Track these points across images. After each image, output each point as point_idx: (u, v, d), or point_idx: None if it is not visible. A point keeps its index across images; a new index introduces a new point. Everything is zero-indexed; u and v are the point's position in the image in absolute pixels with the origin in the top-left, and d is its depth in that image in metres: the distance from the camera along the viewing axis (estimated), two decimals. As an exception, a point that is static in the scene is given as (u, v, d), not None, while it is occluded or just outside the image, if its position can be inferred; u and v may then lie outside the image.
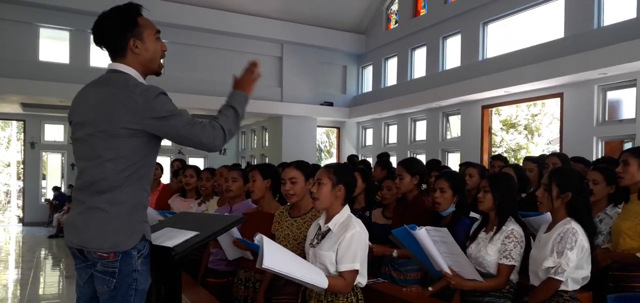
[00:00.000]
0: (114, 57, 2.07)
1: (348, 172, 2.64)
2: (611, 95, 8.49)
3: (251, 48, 13.34)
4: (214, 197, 4.40)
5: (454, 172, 3.58)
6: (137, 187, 1.98)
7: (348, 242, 2.38)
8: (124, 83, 1.96)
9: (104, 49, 2.07)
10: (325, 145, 22.96)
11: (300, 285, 2.56)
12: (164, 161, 11.55)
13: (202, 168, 4.96)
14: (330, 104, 14.49)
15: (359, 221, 2.52)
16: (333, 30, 14.14)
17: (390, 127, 14.17)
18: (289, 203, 3.08)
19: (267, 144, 15.44)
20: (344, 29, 14.34)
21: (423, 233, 2.59)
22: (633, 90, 7.93)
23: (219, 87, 12.64)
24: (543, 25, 9.58)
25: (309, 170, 3.01)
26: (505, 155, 16.48)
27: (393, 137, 13.99)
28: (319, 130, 16.46)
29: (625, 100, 8.30)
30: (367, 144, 15.18)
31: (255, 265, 2.17)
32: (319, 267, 2.42)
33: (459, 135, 11.57)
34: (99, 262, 1.91)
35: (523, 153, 16.57)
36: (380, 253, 3.45)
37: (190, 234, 2.02)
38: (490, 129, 11.14)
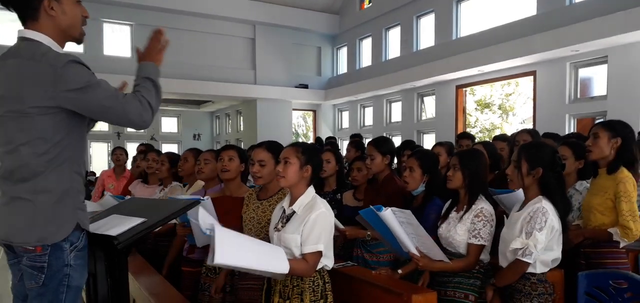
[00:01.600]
0: (25, 21, 1.81)
1: (316, 152, 2.53)
2: (583, 72, 8.55)
3: (222, 29, 13.06)
4: (172, 183, 4.22)
5: (424, 150, 3.49)
6: (65, 171, 1.78)
7: (312, 223, 2.29)
8: (31, 53, 1.72)
9: (12, 10, 1.81)
10: (302, 129, 22.81)
11: None
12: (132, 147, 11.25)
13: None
14: (306, 87, 14.32)
15: (325, 202, 2.41)
16: (306, 11, 13.92)
17: (366, 109, 14.09)
18: (257, 186, 2.95)
19: (242, 128, 15.21)
20: (317, 8, 14.12)
21: (389, 214, 2.49)
22: (604, 67, 7.98)
23: (187, 70, 12.36)
24: (516, 2, 9.55)
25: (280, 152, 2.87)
26: (480, 135, 16.67)
27: (369, 119, 13.93)
28: (295, 114, 16.29)
29: (597, 78, 8.35)
30: (344, 126, 15.09)
31: (206, 261, 2.02)
32: (283, 250, 2.30)
33: (434, 116, 11.55)
34: (25, 256, 1.73)
35: (497, 133, 16.70)
36: (353, 235, 3.35)
37: (136, 221, 1.87)
38: (464, 109, 11.15)
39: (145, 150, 5.11)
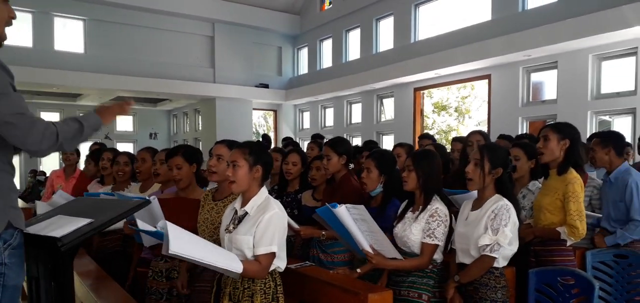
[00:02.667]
0: None
1: (264, 151, 2.48)
2: (535, 76, 8.86)
3: (180, 26, 12.80)
4: (131, 184, 4.09)
5: (381, 151, 3.51)
6: None
7: (266, 224, 2.24)
8: None
9: None
10: (263, 129, 22.65)
11: (216, 272, 2.40)
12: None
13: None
14: (266, 86, 14.22)
15: (278, 202, 2.38)
16: (267, 10, 13.81)
17: (327, 109, 14.13)
18: (214, 187, 2.89)
19: (200, 128, 14.94)
20: (277, 8, 14.04)
21: (343, 211, 2.50)
22: (554, 72, 8.30)
23: (143, 67, 12.05)
24: (472, 7, 9.80)
25: None
26: (437, 137, 17.03)
27: (330, 120, 13.97)
28: (256, 113, 16.15)
29: (548, 82, 8.67)
30: (305, 127, 15.07)
31: (161, 251, 1.96)
32: (235, 253, 2.25)
33: (393, 117, 11.70)
34: None
35: (454, 135, 17.09)
36: (308, 235, 3.33)
37: (82, 222, 1.78)
38: (422, 111, 11.35)
39: (100, 149, 4.94)
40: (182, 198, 3.05)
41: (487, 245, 2.47)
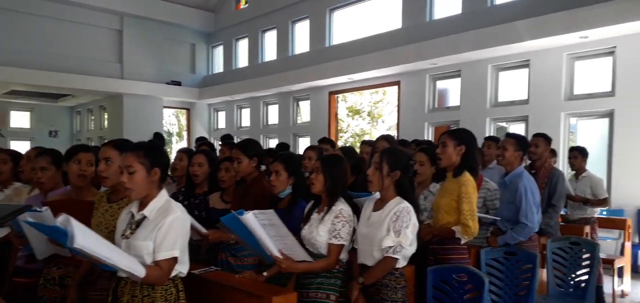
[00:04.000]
0: None
1: (160, 151, 2.37)
2: (440, 84, 9.37)
3: (86, 18, 12.03)
4: (13, 184, 3.77)
5: (289, 154, 3.53)
6: None
7: (167, 228, 2.16)
8: None
9: None
10: (175, 128, 21.88)
11: (112, 279, 2.27)
12: None
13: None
14: (178, 84, 13.73)
15: (180, 205, 2.30)
16: (180, 6, 13.34)
17: (243, 110, 13.95)
18: (108, 188, 2.72)
19: (106, 125, 14.11)
20: (191, 4, 13.62)
21: (250, 218, 2.46)
22: (458, 80, 8.83)
23: (43, 59, 11.20)
24: (383, 15, 10.16)
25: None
26: (351, 140, 17.45)
27: (246, 121, 13.80)
28: (167, 112, 15.56)
29: (452, 89, 9.21)
30: (220, 126, 14.76)
31: (67, 244, 1.81)
32: None
33: (309, 120, 11.82)
34: None
35: (367, 139, 17.60)
36: (216, 239, 3.27)
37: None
38: (336, 114, 11.57)
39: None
40: (74, 200, 2.86)
41: (390, 247, 2.56)
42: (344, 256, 2.76)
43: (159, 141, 6.70)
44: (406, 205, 2.61)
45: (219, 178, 3.74)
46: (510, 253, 3.60)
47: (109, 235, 2.50)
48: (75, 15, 11.83)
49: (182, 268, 2.29)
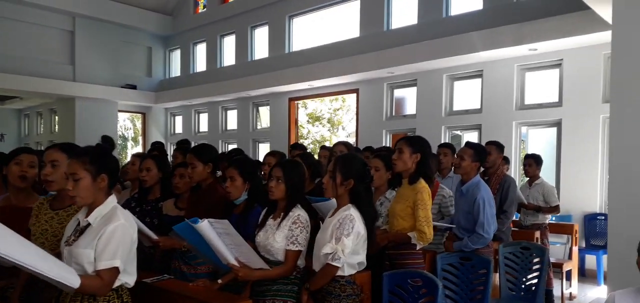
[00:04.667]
0: None
1: (107, 156, 2.30)
2: (397, 92, 9.52)
3: (36, 18, 11.54)
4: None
5: (244, 159, 3.49)
6: None
7: (108, 237, 2.07)
8: None
9: None
10: (131, 132, 21.28)
11: (56, 289, 2.16)
12: None
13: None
14: (134, 87, 13.36)
15: (125, 213, 2.22)
16: (135, 8, 13.00)
17: (201, 114, 13.73)
18: (50, 193, 2.60)
19: (56, 129, 13.56)
20: (148, 7, 13.30)
21: (205, 226, 2.40)
22: (414, 89, 9.00)
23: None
24: (342, 23, 10.25)
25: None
26: (311, 146, 17.46)
27: (204, 126, 13.58)
28: (122, 116, 15.12)
29: (408, 98, 9.38)
30: (177, 131, 14.46)
31: None
32: (74, 268, 2.05)
33: (269, 125, 11.75)
34: None
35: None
36: (168, 246, 3.18)
37: None
38: (297, 120, 11.56)
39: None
40: (12, 206, 2.72)
41: (329, 254, 2.56)
42: (301, 262, 2.74)
43: (107, 144, 6.44)
44: (350, 213, 2.60)
45: (173, 185, 3.65)
46: (466, 259, 3.68)
47: (57, 243, 2.40)
48: (24, 15, 11.33)
49: (128, 278, 2.21)
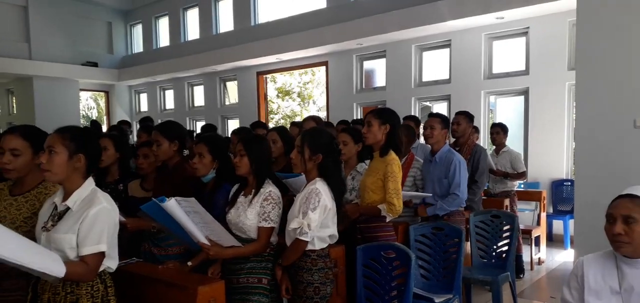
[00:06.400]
0: None
1: (90, 139, 2.21)
2: (367, 64, 9.46)
3: (-15, -7, 10.89)
4: None
5: (214, 136, 3.39)
6: None
7: (92, 220, 2.00)
8: None
9: None
10: (94, 112, 20.65)
11: (31, 277, 2.08)
12: None
13: None
14: (95, 65, 12.88)
15: (107, 196, 2.14)
16: (91, -19, 12.44)
17: (167, 91, 13.39)
18: (10, 179, 2.46)
19: (15, 110, 13.00)
20: (104, -20, 12.76)
21: (173, 204, 2.32)
22: (384, 60, 8.96)
23: None
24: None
25: (42, 140, 2.42)
26: (281, 121, 17.32)
27: (170, 102, 13.26)
28: (84, 95, 14.60)
29: (378, 69, 9.33)
30: (142, 109, 14.08)
31: None
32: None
33: (237, 101, 11.55)
34: None
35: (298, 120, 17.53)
36: (136, 227, 3.07)
37: None
38: (266, 95, 11.40)
39: None
40: None
41: (296, 229, 2.54)
42: (274, 239, 2.71)
43: (95, 128, 6.23)
44: (316, 187, 2.57)
45: (137, 165, 3.52)
46: (438, 229, 3.70)
47: (16, 230, 2.26)
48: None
49: (111, 263, 2.16)
